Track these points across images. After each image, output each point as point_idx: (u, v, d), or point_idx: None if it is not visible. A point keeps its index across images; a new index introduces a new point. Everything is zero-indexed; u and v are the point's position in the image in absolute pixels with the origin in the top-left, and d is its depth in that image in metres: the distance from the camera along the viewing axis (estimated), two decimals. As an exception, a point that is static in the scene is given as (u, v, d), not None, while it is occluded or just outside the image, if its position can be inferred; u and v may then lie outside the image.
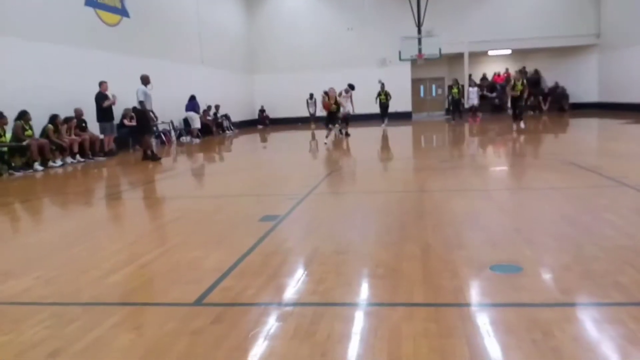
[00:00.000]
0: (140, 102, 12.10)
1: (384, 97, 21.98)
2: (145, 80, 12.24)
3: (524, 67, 26.00)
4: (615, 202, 5.51)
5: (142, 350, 2.64)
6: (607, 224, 4.60)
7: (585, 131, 16.63)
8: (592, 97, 26.23)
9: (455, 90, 22.73)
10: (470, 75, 25.68)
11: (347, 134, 16.93)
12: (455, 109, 22.90)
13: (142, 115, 12.36)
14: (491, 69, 28.41)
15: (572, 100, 26.30)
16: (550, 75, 26.77)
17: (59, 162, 12.06)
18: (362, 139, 17.16)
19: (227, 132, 22.40)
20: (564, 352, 2.39)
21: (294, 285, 3.54)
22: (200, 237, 4.99)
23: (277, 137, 20.79)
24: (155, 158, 12.36)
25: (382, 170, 9.79)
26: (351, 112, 17.63)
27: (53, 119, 12.23)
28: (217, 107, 21.59)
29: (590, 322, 2.72)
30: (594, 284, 3.20)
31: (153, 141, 13.69)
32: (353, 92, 17.96)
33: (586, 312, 2.86)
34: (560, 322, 2.70)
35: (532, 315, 2.81)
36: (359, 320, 2.91)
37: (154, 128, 13.16)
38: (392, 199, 6.62)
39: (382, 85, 21.99)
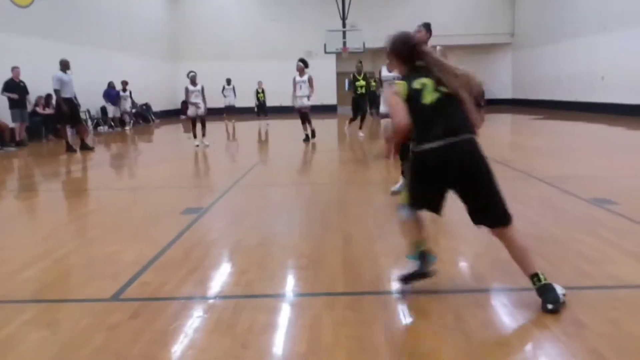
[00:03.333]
0: (55, 91, 11.45)
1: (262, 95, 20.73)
2: (64, 66, 11.52)
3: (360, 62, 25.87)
4: (523, 194, 5.85)
5: (56, 348, 2.54)
6: (515, 214, 4.87)
7: (498, 126, 17.48)
8: (507, 93, 27.73)
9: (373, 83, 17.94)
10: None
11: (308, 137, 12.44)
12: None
13: (58, 104, 11.68)
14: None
15: (487, 96, 27.52)
16: (468, 72, 27.90)
17: (-37, 152, 11.25)
18: (285, 131, 17.16)
19: (128, 124, 21.65)
20: (474, 335, 2.54)
21: (216, 278, 3.51)
22: (118, 231, 4.83)
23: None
24: (85, 147, 11.84)
25: (308, 163, 9.86)
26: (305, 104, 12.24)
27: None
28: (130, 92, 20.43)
29: (499, 307, 2.90)
30: (503, 271, 3.39)
31: (69, 130, 12.96)
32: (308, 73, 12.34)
33: (495, 298, 3.03)
34: (471, 307, 2.86)
35: (445, 301, 2.95)
36: (281, 311, 2.94)
37: (77, 116, 12.34)
38: (317, 190, 6.69)
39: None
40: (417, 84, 2.87)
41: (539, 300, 2.78)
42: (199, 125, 12.00)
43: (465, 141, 2.80)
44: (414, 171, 2.94)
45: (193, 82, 11.98)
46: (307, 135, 12.37)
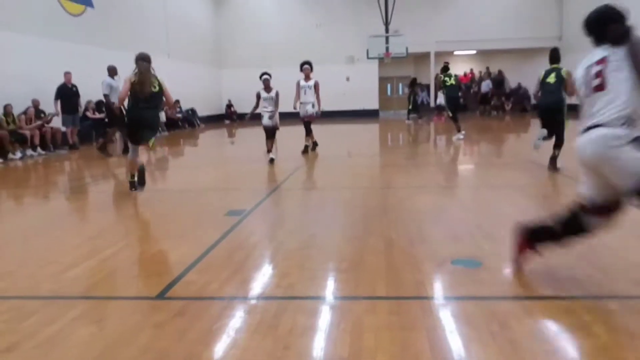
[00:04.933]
0: (105, 96, 11.77)
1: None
2: (111, 72, 11.85)
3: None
4: (571, 199, 5.66)
5: (102, 344, 2.61)
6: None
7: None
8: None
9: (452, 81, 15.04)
10: (437, 75, 26.03)
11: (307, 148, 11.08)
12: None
13: (109, 108, 11.96)
14: (456, 69, 28.83)
15: (534, 101, 26.93)
16: (514, 76, 27.32)
17: (18, 155, 11.70)
18: (329, 135, 17.21)
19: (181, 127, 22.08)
20: (520, 343, 2.47)
21: (258, 279, 3.54)
22: (163, 231, 4.94)
23: (245, 132, 20.64)
24: (103, 152, 11.77)
25: (349, 167, 9.85)
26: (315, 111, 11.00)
27: (4, 108, 11.80)
28: (177, 101, 21.03)
29: (546, 315, 2.82)
30: (551, 279, 3.30)
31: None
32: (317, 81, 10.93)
33: (543, 305, 2.95)
34: (518, 314, 2.78)
35: (490, 308, 2.88)
36: (322, 313, 2.93)
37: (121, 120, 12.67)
38: (358, 194, 6.67)
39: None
40: None
41: (589, 308, 2.69)
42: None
43: None
44: None
45: (267, 87, 9.85)
46: (306, 147, 10.96)
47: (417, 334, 2.59)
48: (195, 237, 4.63)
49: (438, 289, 3.24)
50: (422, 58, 27.04)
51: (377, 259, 3.81)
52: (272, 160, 9.45)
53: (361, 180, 7.89)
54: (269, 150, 9.73)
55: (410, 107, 21.85)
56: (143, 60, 6.35)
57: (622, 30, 2.85)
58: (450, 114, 13.62)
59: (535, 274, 3.41)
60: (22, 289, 3.47)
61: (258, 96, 9.86)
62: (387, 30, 23.93)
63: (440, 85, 14.33)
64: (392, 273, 3.49)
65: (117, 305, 3.17)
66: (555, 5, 25.92)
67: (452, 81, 13.53)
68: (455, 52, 27.66)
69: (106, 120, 12.84)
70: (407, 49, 23.22)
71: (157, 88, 6.41)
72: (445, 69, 14.00)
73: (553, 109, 7.59)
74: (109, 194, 7.62)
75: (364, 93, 25.69)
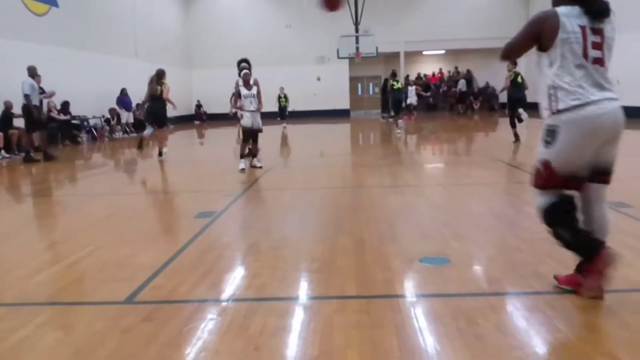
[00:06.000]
0: (26, 96, 10.85)
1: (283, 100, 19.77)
2: (32, 72, 10.99)
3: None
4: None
5: (70, 350, 2.57)
6: (529, 218, 4.84)
7: (506, 130, 17.35)
8: (520, 97, 27.54)
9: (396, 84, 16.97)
10: (407, 76, 26.32)
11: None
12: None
13: (29, 111, 11.02)
14: (425, 69, 29.19)
15: (501, 100, 27.43)
16: (482, 76, 27.80)
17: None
18: (301, 135, 17.22)
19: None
20: (486, 339, 2.52)
21: (229, 281, 3.53)
22: (132, 235, 4.87)
23: (214, 133, 20.49)
24: (49, 157, 11.31)
25: (320, 167, 9.87)
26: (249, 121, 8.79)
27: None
28: (144, 102, 20.69)
29: (511, 310, 2.88)
30: (516, 274, 3.38)
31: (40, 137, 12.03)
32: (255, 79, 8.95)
33: (508, 301, 3.02)
34: (484, 310, 2.84)
35: (457, 305, 2.94)
36: (293, 314, 2.94)
37: (42, 123, 11.64)
38: (329, 194, 6.70)
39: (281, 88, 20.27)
40: None
41: (552, 303, 2.76)
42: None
43: None
44: None
45: (247, 83, 8.67)
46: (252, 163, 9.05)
47: (386, 332, 2.62)
48: (165, 240, 4.59)
49: (407, 287, 3.28)
50: (392, 58, 27.27)
51: (348, 258, 3.84)
52: (242, 170, 8.50)
53: (333, 180, 7.93)
54: (242, 155, 8.73)
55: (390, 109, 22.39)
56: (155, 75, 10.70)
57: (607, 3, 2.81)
58: (393, 113, 16.71)
59: (501, 271, 3.48)
60: (-15, 296, 3.38)
61: (238, 94, 8.77)
62: (357, 30, 24.05)
63: (389, 88, 16.97)
64: (363, 272, 3.53)
65: (85, 311, 3.12)
66: (522, 6, 26.50)
67: (399, 85, 16.31)
68: (425, 52, 28.00)
69: (26, 123, 11.42)
70: (377, 48, 23.39)
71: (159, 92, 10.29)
72: (394, 75, 16.71)
73: (522, 99, 11.36)
74: (75, 198, 7.48)
75: (335, 93, 25.83)
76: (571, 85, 2.74)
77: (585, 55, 2.74)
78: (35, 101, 11.08)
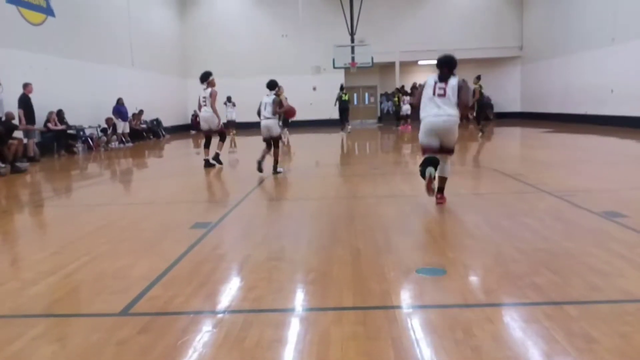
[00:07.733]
0: None
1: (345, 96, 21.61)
2: None
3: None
4: (534, 207, 5.84)
5: (64, 363, 2.55)
6: (525, 228, 4.87)
7: (508, 140, 17.46)
8: (515, 107, 27.74)
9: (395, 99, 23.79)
10: (402, 86, 26.43)
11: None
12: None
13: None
14: (421, 79, 29.25)
15: (496, 109, 27.57)
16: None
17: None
18: (297, 144, 17.24)
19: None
20: (483, 350, 2.52)
21: (225, 292, 3.52)
22: (127, 246, 4.86)
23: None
24: (16, 169, 10.97)
25: (317, 177, 9.88)
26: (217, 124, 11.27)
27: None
28: (140, 111, 20.76)
29: (508, 321, 2.88)
30: (513, 285, 3.38)
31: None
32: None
33: (505, 312, 3.02)
34: (481, 321, 2.84)
35: (454, 316, 2.94)
36: (289, 325, 2.94)
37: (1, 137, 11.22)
38: (325, 204, 6.70)
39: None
40: None
41: (548, 313, 2.76)
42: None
43: None
44: None
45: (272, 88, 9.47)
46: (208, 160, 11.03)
47: (383, 344, 2.62)
48: (160, 251, 4.57)
49: (403, 298, 3.28)
50: (387, 68, 27.42)
51: (344, 269, 3.84)
52: (260, 169, 9.06)
53: (329, 189, 7.93)
54: (260, 159, 9.21)
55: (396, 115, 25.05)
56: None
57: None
58: (340, 119, 21.46)
59: (497, 281, 3.48)
60: (-21, 308, 3.36)
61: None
62: (352, 40, 24.19)
63: (337, 98, 21.36)
64: (359, 283, 3.52)
65: (80, 323, 3.10)
66: (516, 17, 26.74)
67: (346, 97, 21.22)
68: (420, 62, 28.13)
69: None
70: (372, 58, 23.52)
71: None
72: (342, 88, 21.59)
73: (488, 104, 14.97)
74: (71, 208, 7.46)
75: (331, 102, 25.77)
76: None
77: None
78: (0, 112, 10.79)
